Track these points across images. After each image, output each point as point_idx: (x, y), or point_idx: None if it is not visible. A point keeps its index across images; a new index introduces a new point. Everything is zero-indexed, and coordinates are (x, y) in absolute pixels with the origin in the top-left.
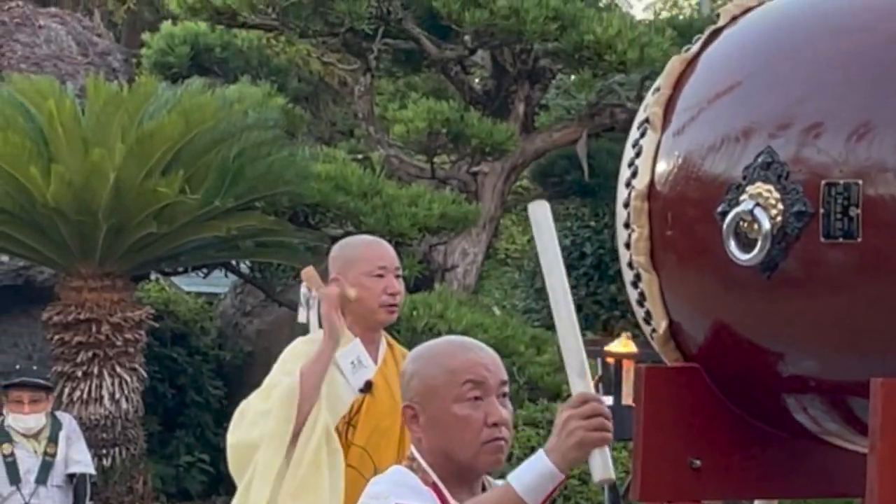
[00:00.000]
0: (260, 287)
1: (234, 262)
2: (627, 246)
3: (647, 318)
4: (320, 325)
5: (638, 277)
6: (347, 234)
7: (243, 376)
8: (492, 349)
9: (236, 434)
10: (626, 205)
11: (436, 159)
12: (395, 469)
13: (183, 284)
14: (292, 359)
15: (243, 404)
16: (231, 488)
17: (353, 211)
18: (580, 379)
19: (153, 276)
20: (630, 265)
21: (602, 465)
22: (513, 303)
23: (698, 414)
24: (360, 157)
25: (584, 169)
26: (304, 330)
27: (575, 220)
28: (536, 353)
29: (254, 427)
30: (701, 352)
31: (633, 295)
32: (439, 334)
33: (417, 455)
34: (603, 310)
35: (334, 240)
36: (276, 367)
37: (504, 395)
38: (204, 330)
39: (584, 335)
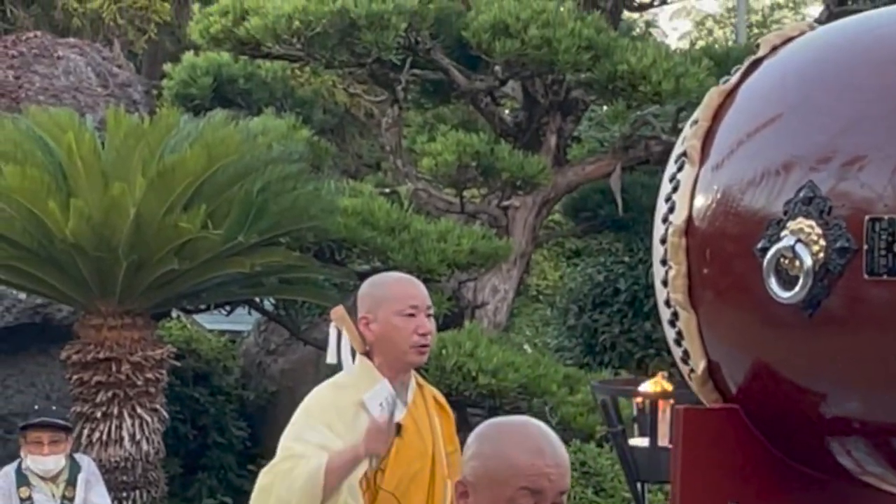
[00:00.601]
0: (284, 325)
1: (257, 300)
2: (665, 283)
3: (685, 357)
4: (348, 359)
5: (676, 316)
6: (374, 270)
7: (267, 416)
8: (563, 450)
9: None
10: (664, 241)
11: (465, 193)
12: None
13: (205, 322)
14: (319, 410)
15: (264, 478)
16: None
17: (380, 246)
18: None
19: (174, 314)
20: (667, 303)
21: None
22: (544, 340)
23: (738, 456)
24: (387, 190)
25: (618, 203)
26: (331, 370)
27: (608, 256)
28: (569, 392)
29: None
30: (740, 392)
31: (670, 334)
32: (469, 373)
33: None
34: (637, 348)
35: (361, 276)
36: (299, 416)
37: (564, 497)
38: (227, 369)
39: (617, 374)
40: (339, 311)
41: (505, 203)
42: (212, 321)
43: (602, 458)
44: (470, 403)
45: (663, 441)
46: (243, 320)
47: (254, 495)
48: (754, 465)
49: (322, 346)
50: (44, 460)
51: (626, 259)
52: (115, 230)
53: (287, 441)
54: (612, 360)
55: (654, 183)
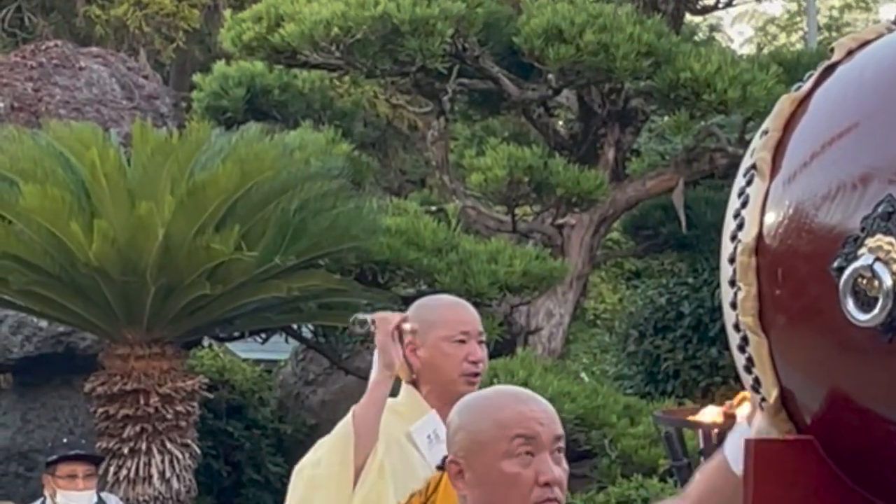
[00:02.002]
0: (324, 353)
1: (295, 326)
2: (734, 306)
3: (756, 385)
4: (392, 394)
5: (745, 341)
6: (420, 293)
7: (306, 452)
8: (546, 401)
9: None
10: (732, 260)
11: (517, 211)
12: None
13: (239, 351)
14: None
15: (299, 465)
16: None
17: (426, 268)
18: None
19: (206, 343)
20: (737, 327)
21: None
22: (603, 368)
23: (813, 492)
24: (433, 208)
25: (682, 220)
26: None
27: (671, 277)
28: (630, 423)
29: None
30: (816, 423)
31: (740, 360)
32: None
33: None
34: (702, 376)
35: (406, 300)
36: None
37: (559, 450)
38: (262, 401)
39: (681, 403)
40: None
41: (560, 221)
42: (246, 350)
43: (665, 493)
44: None
45: None
46: (280, 349)
47: (291, 482)
48: (830, 500)
49: (365, 376)
50: (78, 496)
51: (690, 280)
52: (142, 253)
53: None
54: (676, 388)
55: (720, 198)
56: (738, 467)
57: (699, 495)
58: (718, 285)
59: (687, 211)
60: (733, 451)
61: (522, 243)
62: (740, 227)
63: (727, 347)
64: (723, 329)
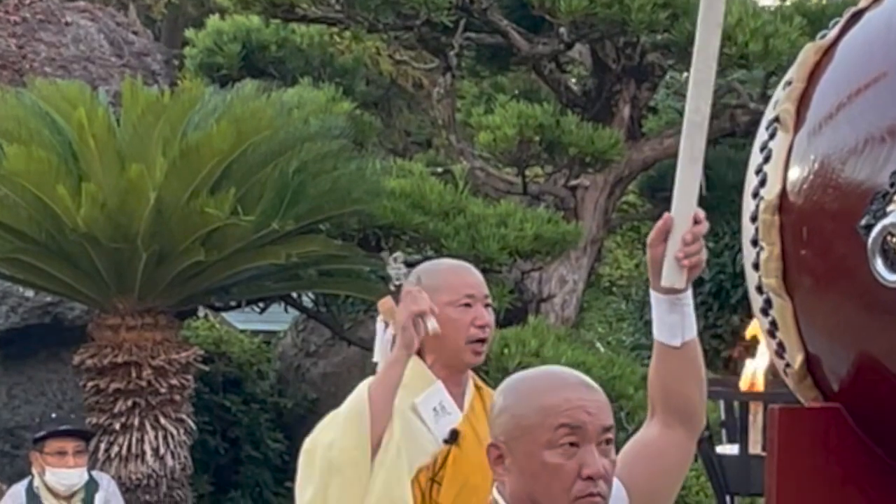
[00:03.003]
0: (325, 323)
1: (294, 295)
2: (756, 267)
3: (780, 350)
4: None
5: (769, 303)
6: (426, 259)
7: (307, 427)
8: (598, 387)
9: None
10: (754, 219)
11: (528, 172)
12: None
13: (236, 322)
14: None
15: (308, 443)
16: None
17: (432, 233)
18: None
19: (201, 313)
20: (759, 289)
21: None
22: (619, 338)
23: (841, 462)
24: (439, 170)
25: (702, 181)
26: (377, 371)
27: None
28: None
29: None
30: (843, 389)
31: (763, 324)
32: None
33: (500, 499)
34: (724, 345)
35: (411, 267)
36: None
37: (608, 442)
38: (261, 374)
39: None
40: (387, 304)
41: (573, 182)
42: (243, 320)
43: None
44: None
45: (755, 448)
46: (279, 319)
47: (298, 465)
48: (860, 471)
49: (368, 347)
50: (68, 473)
51: (711, 245)
52: (132, 218)
53: None
54: None
55: (741, 157)
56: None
57: (652, 385)
58: (740, 250)
59: (707, 171)
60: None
61: (533, 206)
62: (762, 183)
63: (750, 315)
64: (745, 296)
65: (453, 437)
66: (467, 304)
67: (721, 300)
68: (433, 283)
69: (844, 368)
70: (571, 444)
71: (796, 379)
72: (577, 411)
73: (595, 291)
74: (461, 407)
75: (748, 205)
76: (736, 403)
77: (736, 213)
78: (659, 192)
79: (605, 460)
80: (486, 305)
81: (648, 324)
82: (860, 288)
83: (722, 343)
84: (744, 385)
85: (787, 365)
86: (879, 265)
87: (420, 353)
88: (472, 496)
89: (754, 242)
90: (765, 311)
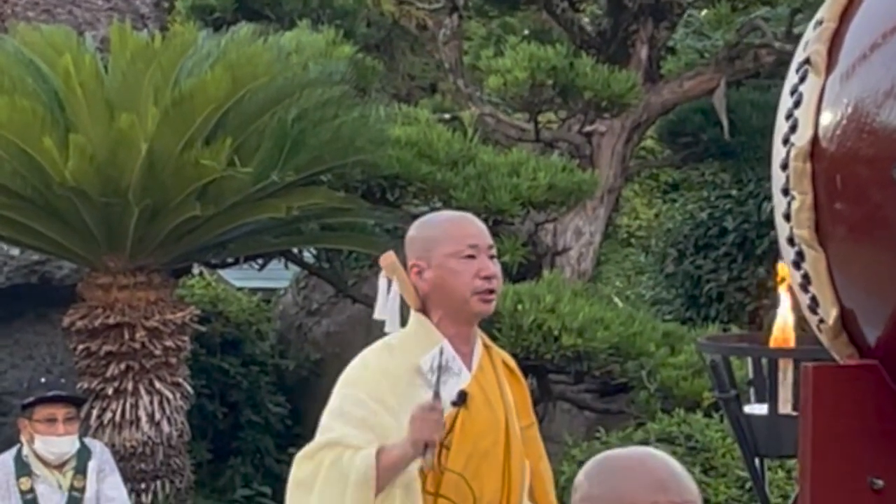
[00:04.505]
0: (328, 280)
1: (295, 251)
2: (787, 217)
3: (813, 305)
4: (402, 325)
5: (801, 256)
6: (434, 211)
7: (310, 389)
8: (692, 484)
9: None
10: (785, 166)
11: (540, 118)
12: None
13: (233, 280)
14: (366, 379)
15: (302, 468)
16: None
17: (440, 183)
18: None
19: (196, 270)
20: (791, 241)
21: None
22: (638, 292)
23: (879, 422)
24: (447, 116)
25: (724, 125)
26: (384, 333)
27: (713, 189)
28: (670, 352)
29: None
30: (880, 345)
31: (795, 277)
32: (550, 332)
33: None
34: (749, 298)
35: (417, 219)
36: (342, 386)
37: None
38: (261, 334)
39: (726, 329)
40: (389, 259)
41: (588, 128)
42: (241, 278)
43: (711, 430)
44: (552, 368)
45: (785, 408)
46: (279, 276)
47: (290, 487)
48: None
49: (373, 304)
50: (58, 441)
51: (734, 192)
52: (123, 171)
53: (327, 418)
54: (720, 313)
55: (766, 100)
56: None
57: None
58: (765, 198)
59: (729, 115)
60: None
61: (547, 154)
62: (793, 129)
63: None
64: (772, 246)
65: (462, 400)
66: (471, 256)
67: (746, 251)
68: (433, 235)
69: (881, 323)
70: None
71: (830, 335)
72: (655, 494)
73: (612, 243)
74: (469, 366)
75: (778, 152)
76: (764, 361)
77: (761, 159)
78: (679, 137)
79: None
80: (491, 256)
81: (669, 277)
82: None
83: (747, 296)
84: (773, 341)
85: (821, 320)
86: None
87: (425, 310)
88: (483, 461)
89: (785, 191)
90: (797, 265)
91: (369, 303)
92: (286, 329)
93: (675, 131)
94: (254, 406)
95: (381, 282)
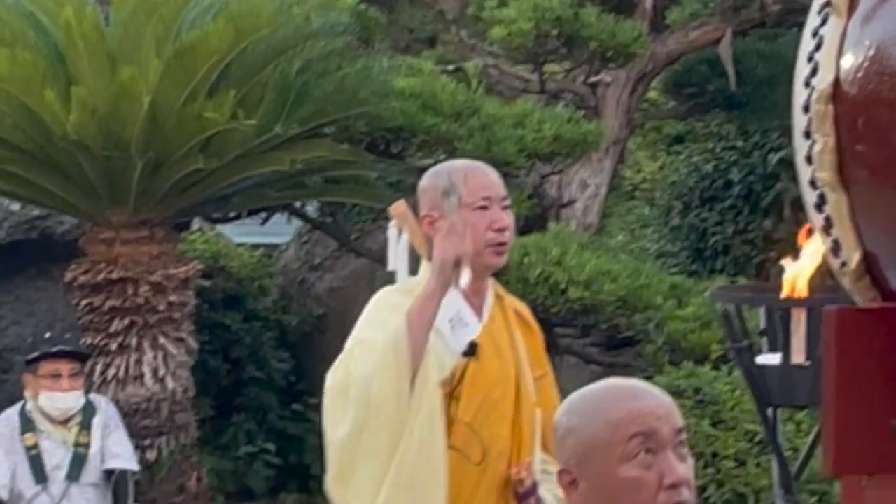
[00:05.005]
0: (331, 234)
1: (298, 205)
2: (809, 160)
3: (835, 248)
4: (411, 273)
5: (822, 199)
6: (438, 163)
7: (313, 345)
8: (661, 391)
9: (348, 414)
10: (807, 109)
11: (545, 68)
12: None
13: (234, 235)
14: (384, 309)
15: (336, 373)
16: (303, 483)
17: (444, 135)
18: None
19: (196, 226)
20: (813, 184)
21: None
22: (642, 245)
23: None
24: (450, 68)
25: (730, 75)
26: (389, 282)
27: (718, 141)
28: (677, 305)
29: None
30: None
31: (817, 221)
32: (557, 285)
33: None
34: (755, 251)
35: (422, 172)
36: (360, 322)
37: (681, 444)
38: (263, 290)
39: (732, 282)
40: (400, 208)
41: (593, 79)
42: (240, 234)
43: (719, 383)
44: (559, 322)
45: (798, 357)
46: (279, 231)
47: (326, 399)
48: None
49: (377, 258)
50: (63, 397)
51: (740, 144)
52: (126, 124)
53: (353, 339)
54: (726, 265)
55: (773, 50)
56: None
57: None
58: (771, 149)
59: (735, 65)
60: None
61: (552, 105)
62: (814, 72)
63: (782, 218)
64: (777, 198)
65: (472, 350)
66: (484, 207)
67: (752, 203)
68: (446, 186)
69: None
70: (647, 452)
71: (853, 278)
72: (647, 418)
73: (616, 197)
74: (480, 316)
75: (799, 94)
76: (777, 310)
77: (767, 110)
78: (684, 88)
79: (682, 465)
80: (505, 207)
81: (674, 230)
82: None
83: (753, 248)
84: (785, 291)
85: (843, 264)
86: None
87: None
88: (493, 411)
89: (807, 134)
90: (818, 207)
91: (372, 257)
92: (288, 284)
93: (680, 82)
94: (257, 362)
95: (392, 231)
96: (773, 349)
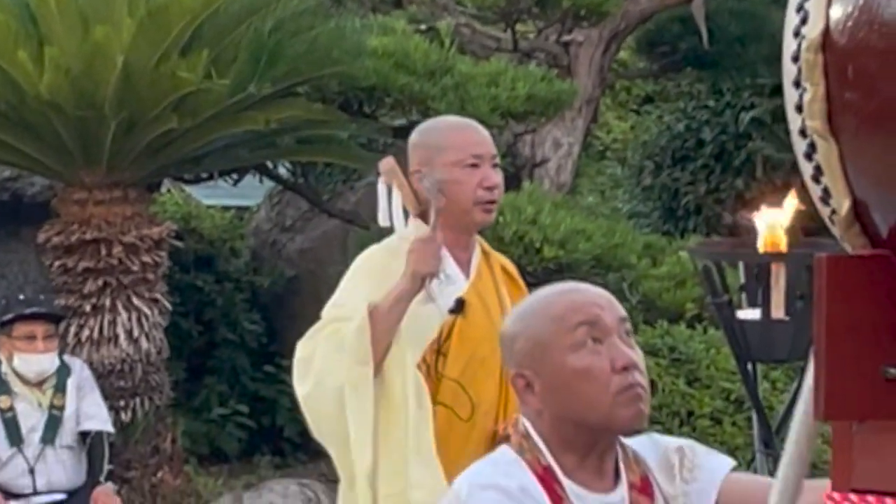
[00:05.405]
0: (303, 194)
1: (269, 165)
2: (799, 109)
3: (825, 196)
4: (400, 221)
5: (812, 147)
6: (412, 123)
7: (285, 306)
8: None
9: (306, 385)
10: (796, 59)
11: (518, 27)
12: (496, 455)
13: (203, 197)
14: (368, 271)
15: (304, 348)
16: (276, 445)
17: (418, 94)
18: None
19: (164, 188)
20: (803, 132)
21: None
22: (614, 206)
23: (892, 312)
24: (423, 27)
25: (703, 34)
26: (360, 247)
27: (690, 100)
28: (652, 264)
29: (327, 375)
30: (892, 236)
31: (807, 169)
32: (532, 244)
33: (533, 432)
34: (727, 210)
35: (396, 131)
36: (345, 280)
37: (627, 333)
38: (234, 251)
39: (709, 235)
40: (388, 164)
41: (566, 38)
42: (210, 195)
43: (695, 341)
44: (534, 281)
45: (777, 312)
46: (249, 194)
47: (295, 368)
48: None
49: (350, 219)
50: (38, 359)
51: (712, 103)
52: (99, 84)
53: (329, 308)
54: (698, 225)
55: (745, 8)
56: None
57: None
58: (743, 108)
59: (708, 24)
60: None
61: (524, 64)
62: (804, 21)
63: (754, 177)
64: (749, 158)
65: (459, 307)
66: (475, 165)
67: (724, 162)
68: (438, 142)
69: (893, 214)
70: (594, 341)
71: (843, 226)
72: (588, 307)
73: (586, 157)
74: (467, 274)
75: (789, 44)
76: (756, 266)
77: (740, 69)
78: (656, 46)
79: (632, 350)
80: (495, 165)
81: (646, 190)
82: None
83: (725, 208)
84: (764, 246)
85: (833, 212)
86: None
87: (424, 217)
88: (480, 368)
89: (796, 84)
90: (808, 156)
91: (345, 217)
92: (260, 246)
93: (652, 41)
94: (229, 324)
95: (381, 188)
96: (752, 305)
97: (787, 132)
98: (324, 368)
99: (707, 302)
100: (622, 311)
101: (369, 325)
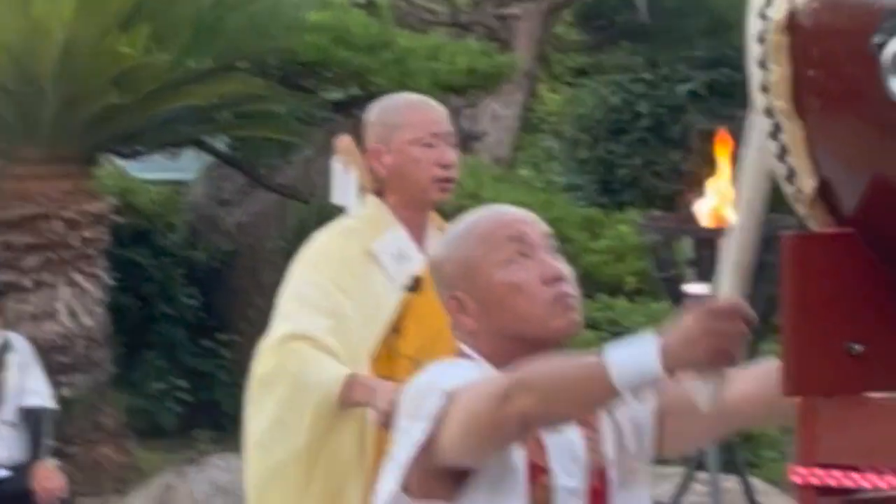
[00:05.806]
0: (241, 168)
1: (206, 140)
2: (765, 89)
3: (790, 175)
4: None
5: (778, 127)
6: (351, 98)
7: (222, 280)
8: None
9: (262, 420)
10: (762, 40)
11: (455, 0)
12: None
13: (137, 172)
14: (322, 261)
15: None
16: (215, 421)
17: (358, 69)
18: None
19: (103, 162)
20: (768, 112)
21: (710, 393)
22: (550, 179)
23: (856, 289)
24: (362, 1)
25: (641, 7)
26: (298, 222)
27: (625, 73)
28: (590, 237)
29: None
30: (857, 214)
31: (772, 148)
32: None
33: (471, 353)
34: (664, 183)
35: (336, 105)
36: (298, 268)
37: (553, 249)
38: (171, 226)
39: (644, 213)
40: (345, 142)
41: (504, 11)
42: (147, 169)
43: (635, 314)
44: None
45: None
46: (185, 168)
47: (252, 382)
48: (877, 298)
49: (288, 193)
50: None
51: (647, 76)
52: (39, 59)
53: (287, 302)
54: (635, 198)
55: None
56: None
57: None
58: (679, 81)
59: None
60: None
61: (463, 37)
62: (769, 2)
63: (690, 150)
64: (686, 130)
65: (415, 285)
66: (431, 144)
67: (659, 135)
68: (394, 120)
69: (858, 193)
70: (522, 256)
71: (808, 205)
72: (514, 223)
73: (521, 130)
74: (423, 250)
75: (754, 25)
76: (702, 240)
77: (677, 42)
78: (594, 20)
79: (560, 263)
80: (451, 143)
81: (582, 163)
82: (873, 109)
83: (661, 181)
84: (710, 221)
85: (798, 191)
86: (894, 85)
87: (380, 193)
88: (437, 343)
89: (762, 64)
90: (774, 136)
91: (282, 192)
92: (197, 220)
93: (589, 14)
94: (167, 299)
95: (336, 166)
96: (702, 278)
97: (723, 105)
98: (286, 420)
99: (653, 277)
100: (546, 228)
101: (339, 396)
